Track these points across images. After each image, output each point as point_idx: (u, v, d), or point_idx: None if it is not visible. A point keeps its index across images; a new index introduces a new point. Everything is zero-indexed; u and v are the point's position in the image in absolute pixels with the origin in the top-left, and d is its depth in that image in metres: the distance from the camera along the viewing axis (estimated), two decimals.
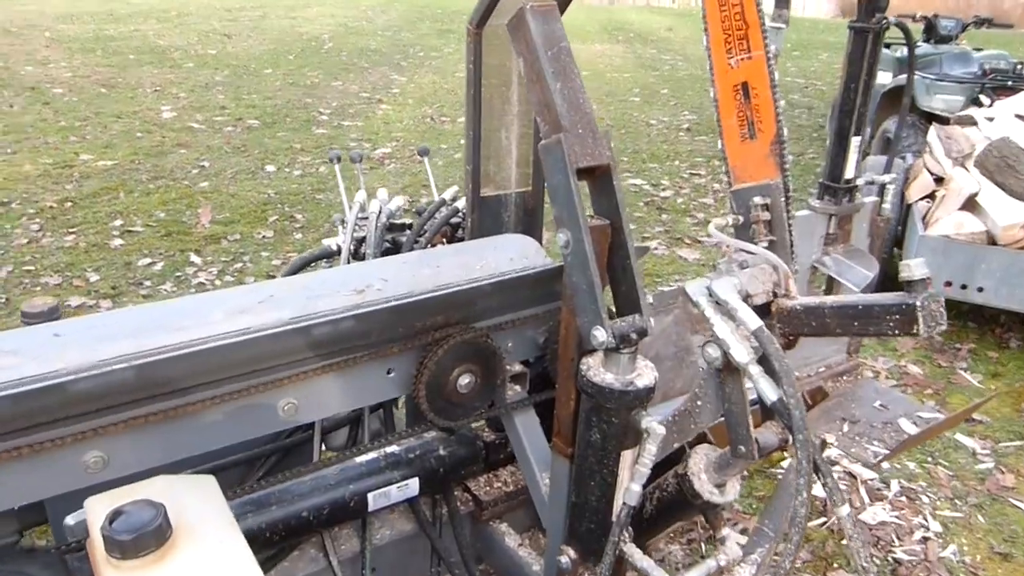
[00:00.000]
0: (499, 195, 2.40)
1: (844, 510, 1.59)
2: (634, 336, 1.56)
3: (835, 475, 3.70)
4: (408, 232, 2.66)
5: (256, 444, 2.15)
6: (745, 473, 3.66)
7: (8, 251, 6.21)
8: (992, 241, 5.02)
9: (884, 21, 2.71)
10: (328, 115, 11.11)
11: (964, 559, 3.50)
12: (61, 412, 1.48)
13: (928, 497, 3.89)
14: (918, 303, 1.51)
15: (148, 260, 6.19)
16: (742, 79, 1.87)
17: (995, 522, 3.74)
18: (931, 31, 8.03)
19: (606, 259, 1.62)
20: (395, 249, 2.65)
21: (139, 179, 8.00)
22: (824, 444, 2.92)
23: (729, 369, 1.63)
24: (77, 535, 1.59)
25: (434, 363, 1.90)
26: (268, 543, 1.98)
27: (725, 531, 1.90)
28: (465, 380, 1.99)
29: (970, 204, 5.17)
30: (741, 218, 1.92)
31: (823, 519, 3.65)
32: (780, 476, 3.80)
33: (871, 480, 3.93)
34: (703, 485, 1.79)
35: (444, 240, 2.65)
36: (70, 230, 6.66)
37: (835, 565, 3.39)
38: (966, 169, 5.37)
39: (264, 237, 6.76)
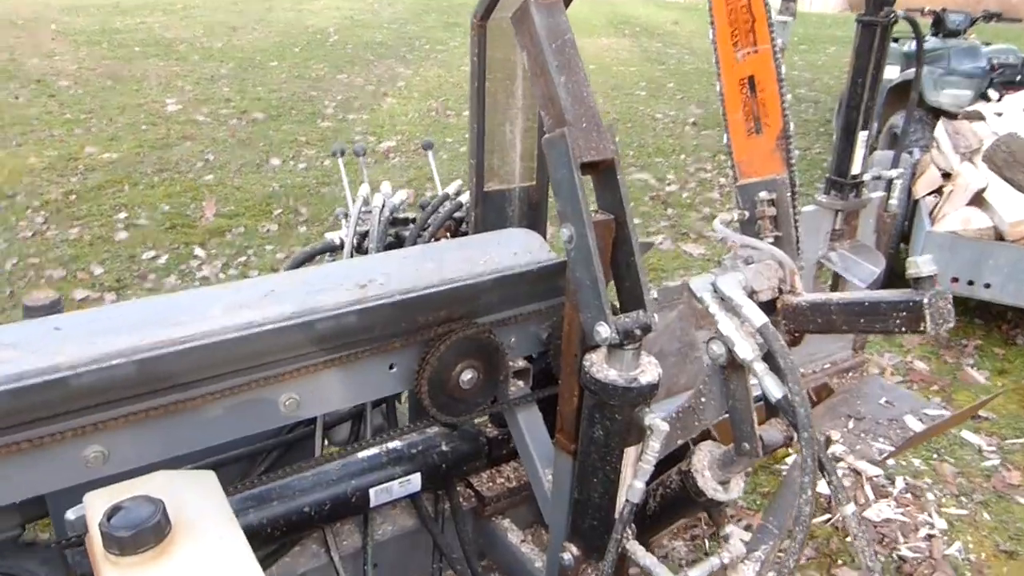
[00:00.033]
0: (503, 189, 2.39)
1: (849, 508, 1.57)
2: (638, 332, 1.55)
3: (840, 472, 3.70)
4: (411, 226, 2.65)
5: (258, 439, 2.14)
6: (749, 469, 3.65)
7: (13, 243, 6.21)
8: (999, 237, 4.98)
9: (892, 15, 2.69)
10: (333, 108, 11.09)
11: (969, 557, 3.49)
12: (61, 407, 1.48)
13: (933, 494, 3.87)
14: (925, 300, 1.49)
15: (152, 253, 6.19)
16: (748, 73, 1.86)
17: (1001, 520, 3.72)
18: (939, 25, 7.97)
19: (610, 254, 1.61)
20: (398, 243, 2.64)
21: (144, 172, 8.00)
22: (829, 441, 2.91)
23: (733, 366, 1.61)
24: (77, 530, 1.58)
25: (436, 358, 1.89)
26: (269, 539, 1.97)
27: (729, 528, 1.89)
28: (468, 376, 1.98)
29: (978, 200, 5.14)
30: (746, 213, 1.91)
31: (827, 516, 3.63)
32: (784, 473, 3.78)
33: (876, 477, 3.91)
34: (707, 482, 1.78)
35: (448, 234, 2.64)
36: (75, 223, 6.67)
37: (839, 562, 3.38)
38: (974, 164, 5.34)
39: (268, 230, 6.75)
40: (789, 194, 1.85)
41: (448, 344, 1.90)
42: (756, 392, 1.61)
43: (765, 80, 1.83)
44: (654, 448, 1.61)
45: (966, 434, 4.33)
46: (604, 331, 1.50)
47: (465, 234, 2.55)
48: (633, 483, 1.64)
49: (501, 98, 2.28)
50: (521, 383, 2.20)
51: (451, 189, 2.73)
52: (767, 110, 1.85)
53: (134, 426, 1.56)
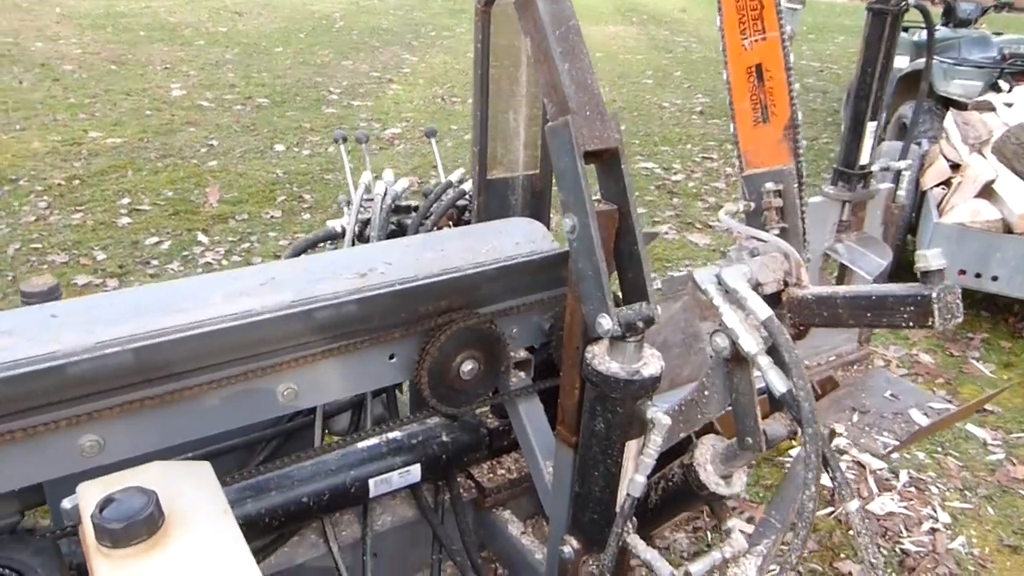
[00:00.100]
0: (506, 177, 2.36)
1: (853, 505, 1.56)
2: (640, 324, 1.52)
3: (843, 467, 3.68)
4: (414, 214, 2.63)
5: (257, 428, 2.12)
6: (752, 462, 3.63)
7: (16, 228, 6.20)
8: (1008, 229, 4.95)
9: (903, 3, 2.65)
10: (338, 94, 11.06)
11: (972, 551, 3.47)
12: (56, 395, 1.46)
13: (937, 488, 3.85)
14: (934, 295, 1.47)
15: (155, 239, 6.18)
16: (756, 61, 1.83)
17: (1005, 514, 3.70)
18: (950, 14, 7.92)
19: (613, 245, 1.58)
20: (400, 231, 2.62)
21: (147, 157, 7.98)
22: (833, 434, 2.89)
23: (737, 359, 1.59)
24: (73, 519, 1.57)
25: (437, 349, 1.87)
26: (268, 528, 1.96)
27: (731, 522, 1.88)
28: (468, 366, 1.96)
29: (986, 191, 5.10)
30: (753, 204, 1.88)
31: (830, 509, 3.61)
32: (788, 465, 3.77)
33: (880, 470, 3.89)
34: (709, 476, 1.76)
35: (450, 223, 2.61)
36: (78, 208, 6.65)
37: (842, 555, 3.37)
38: (983, 156, 5.30)
39: (272, 217, 6.73)
40: (796, 185, 1.83)
41: (449, 334, 1.88)
42: (760, 385, 1.59)
43: (773, 68, 1.81)
44: (656, 442, 1.59)
45: (971, 428, 4.31)
46: (606, 323, 1.47)
47: (468, 223, 2.52)
48: (634, 477, 1.62)
49: (505, 85, 2.26)
50: (522, 374, 2.18)
51: (454, 177, 2.71)
52: (775, 99, 1.82)
53: (130, 415, 1.54)
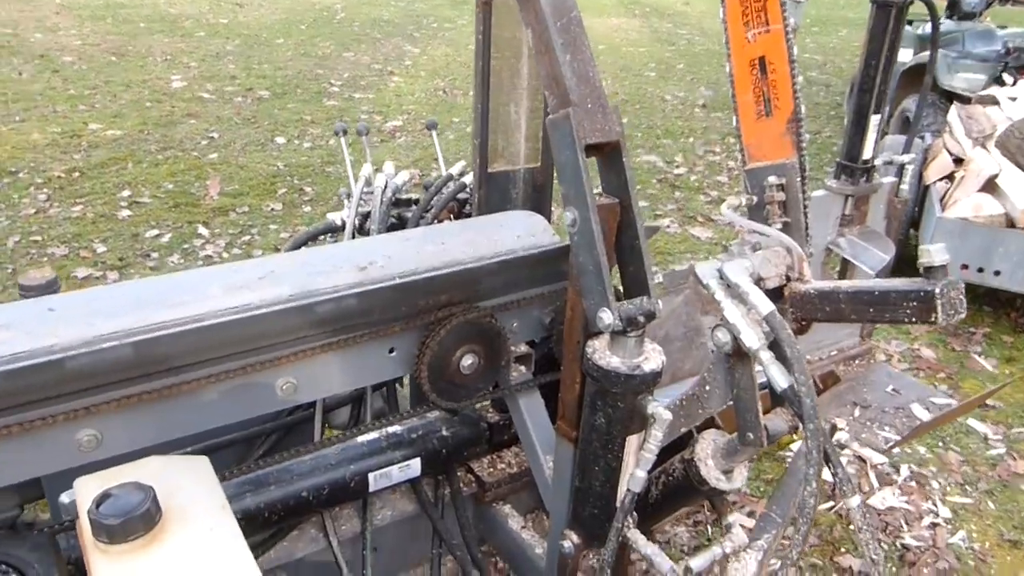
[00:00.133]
0: (507, 170, 2.35)
1: (855, 501, 1.55)
2: (641, 319, 1.51)
3: (844, 461, 3.67)
4: (414, 207, 2.61)
5: (256, 422, 2.11)
6: (753, 457, 3.63)
7: (15, 221, 6.19)
8: (1011, 224, 4.94)
9: None
10: (339, 87, 11.03)
11: (973, 546, 3.47)
12: (53, 389, 1.45)
13: (938, 482, 3.84)
14: (937, 290, 1.46)
15: (156, 231, 6.17)
16: (759, 53, 1.81)
17: (1005, 509, 3.70)
18: (954, 7, 7.88)
19: (614, 239, 1.57)
20: (401, 224, 2.60)
21: (148, 149, 7.97)
22: (834, 428, 2.88)
23: (739, 354, 1.58)
24: (71, 513, 1.56)
25: (437, 343, 1.86)
26: (267, 523, 1.95)
27: (731, 517, 1.87)
28: (468, 361, 1.95)
29: (990, 186, 5.08)
30: (755, 198, 1.87)
31: (831, 503, 3.61)
32: (788, 460, 3.76)
33: (880, 464, 3.89)
34: (710, 471, 1.75)
35: (451, 216, 2.60)
36: (78, 200, 6.64)
37: (842, 550, 3.36)
38: (986, 150, 5.28)
39: (273, 210, 6.72)
40: (799, 179, 1.81)
41: (449, 328, 1.87)
42: (761, 379, 1.58)
43: (776, 61, 1.79)
44: (656, 437, 1.58)
45: (972, 422, 4.30)
46: (607, 318, 1.46)
47: (469, 216, 2.51)
48: (635, 472, 1.61)
49: (506, 77, 2.24)
50: (523, 368, 2.17)
51: (455, 170, 2.69)
52: (778, 92, 1.81)
53: (128, 410, 1.53)
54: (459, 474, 2.37)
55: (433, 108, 10.21)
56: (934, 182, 5.35)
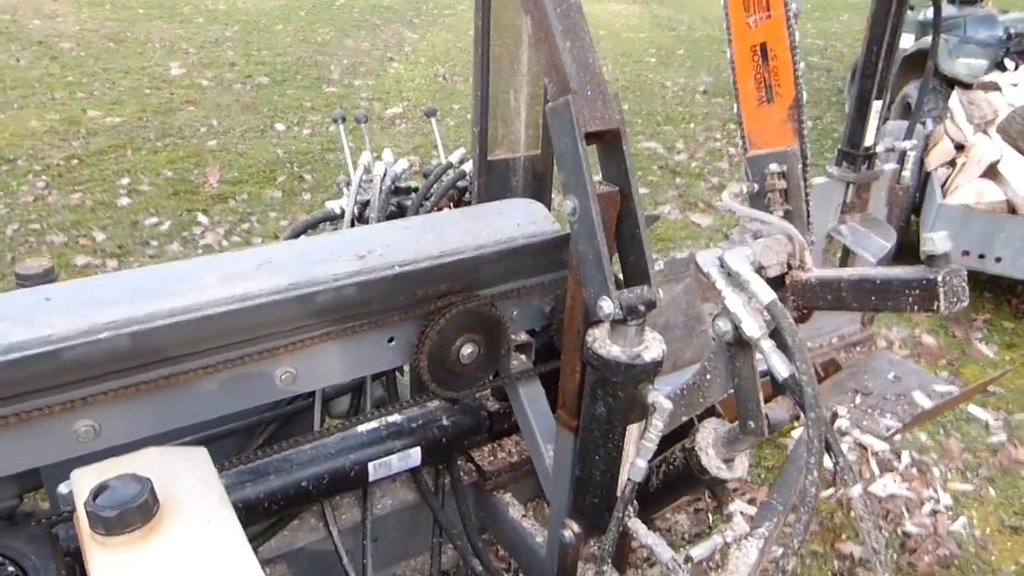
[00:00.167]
0: (507, 158, 2.33)
1: (856, 490, 1.54)
2: (642, 308, 1.50)
3: (845, 448, 3.67)
4: (413, 195, 2.60)
5: (255, 412, 2.11)
6: (754, 446, 3.63)
7: (14, 209, 6.17)
8: (1012, 210, 4.92)
9: None
10: (339, 73, 10.98)
11: (974, 532, 3.47)
12: (50, 380, 1.44)
13: (939, 469, 3.84)
14: (939, 278, 1.45)
15: (155, 219, 6.15)
16: (760, 39, 1.79)
17: (1006, 495, 3.70)
18: None
19: (614, 227, 1.56)
20: (400, 213, 2.59)
21: (147, 137, 7.94)
22: (835, 416, 2.87)
23: (740, 343, 1.58)
24: (69, 504, 1.56)
25: (436, 332, 1.85)
26: (267, 513, 1.95)
27: (732, 506, 1.87)
28: (468, 350, 1.95)
29: (991, 172, 5.06)
30: (756, 186, 1.85)
31: (832, 490, 3.61)
32: (789, 447, 3.76)
33: (882, 452, 3.89)
34: (710, 460, 1.75)
35: (450, 204, 2.59)
36: (76, 188, 6.62)
37: (843, 536, 3.37)
38: (988, 136, 5.25)
39: (272, 197, 6.70)
40: (800, 166, 1.80)
41: (448, 317, 1.86)
42: (762, 367, 1.57)
43: (778, 47, 1.77)
44: (657, 426, 1.58)
45: (973, 409, 4.29)
46: (607, 307, 1.46)
47: (468, 204, 2.50)
48: (635, 461, 1.61)
49: (506, 64, 2.22)
50: (523, 357, 2.16)
51: (454, 158, 2.68)
52: (779, 79, 1.79)
53: (126, 400, 1.52)
54: (459, 463, 2.36)
55: (433, 95, 10.17)
56: (935, 168, 5.32)
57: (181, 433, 1.88)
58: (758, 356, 1.56)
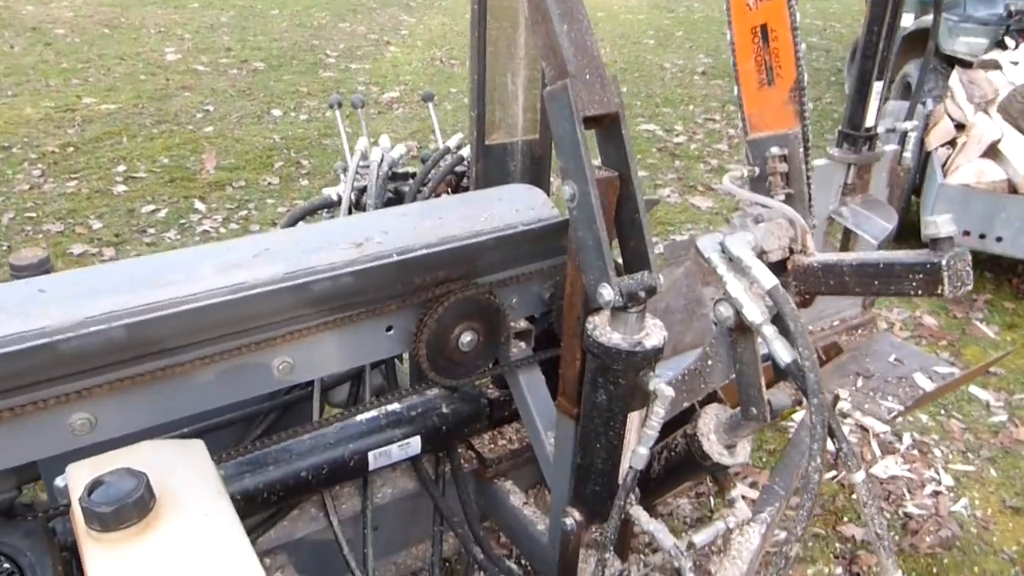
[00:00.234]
0: (505, 143, 2.31)
1: (859, 476, 1.53)
2: (642, 294, 1.49)
3: (847, 430, 3.66)
4: (411, 181, 2.58)
5: (254, 402, 2.09)
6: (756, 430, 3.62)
7: (10, 197, 6.14)
8: (1013, 190, 4.89)
9: None
10: (335, 58, 10.92)
11: (975, 513, 3.47)
12: (45, 372, 1.43)
13: (940, 450, 3.84)
14: (944, 262, 1.43)
15: (152, 207, 6.12)
16: (761, 21, 1.77)
17: (1008, 476, 3.70)
18: None
19: (614, 213, 1.54)
20: (397, 199, 2.57)
21: (143, 123, 7.90)
22: (836, 399, 2.86)
23: (741, 329, 1.56)
24: (67, 497, 1.54)
25: (435, 320, 1.84)
26: (267, 503, 1.94)
27: (734, 493, 1.86)
28: (467, 338, 1.93)
29: (992, 152, 5.03)
30: (757, 169, 1.83)
31: (833, 473, 3.60)
32: (791, 430, 3.75)
33: (883, 433, 3.88)
34: (712, 446, 1.74)
35: (448, 190, 2.56)
36: (72, 176, 6.58)
37: (845, 519, 3.37)
38: (988, 115, 5.22)
39: (270, 184, 6.67)
40: (802, 149, 1.77)
41: (447, 305, 1.84)
42: (763, 351, 1.56)
43: (779, 28, 1.74)
44: (659, 413, 1.56)
45: (974, 389, 4.29)
46: (607, 293, 1.44)
47: (466, 189, 2.48)
48: (637, 449, 1.60)
49: (503, 47, 2.19)
50: (523, 344, 2.14)
51: (452, 143, 2.65)
52: (780, 60, 1.76)
53: (121, 392, 1.51)
54: (460, 451, 2.35)
55: (430, 79, 10.12)
56: (936, 148, 5.29)
57: (179, 424, 1.86)
58: (759, 341, 1.55)
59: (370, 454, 2.03)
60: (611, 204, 1.53)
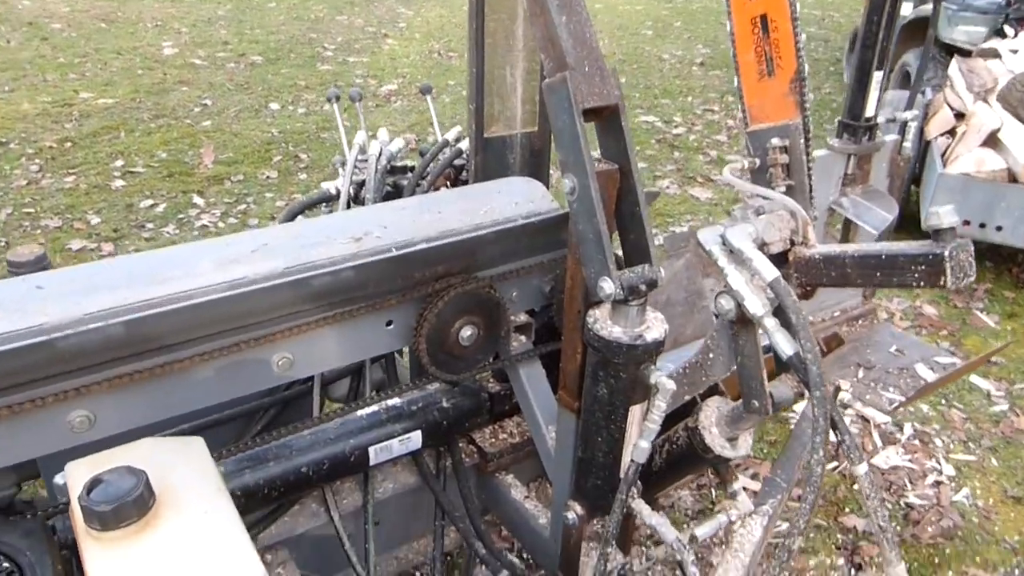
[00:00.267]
0: (504, 135, 2.30)
1: (862, 468, 1.53)
2: (643, 287, 1.48)
3: (848, 421, 3.66)
4: (410, 175, 2.56)
5: (254, 398, 2.09)
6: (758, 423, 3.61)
7: (7, 193, 6.12)
8: (1013, 179, 4.88)
9: None
10: (333, 51, 10.89)
11: (977, 503, 3.47)
12: (43, 370, 1.42)
13: (942, 440, 3.83)
14: (946, 253, 1.42)
15: (150, 202, 6.10)
16: (761, 11, 1.76)
17: (1009, 465, 3.69)
18: None
19: (614, 206, 1.54)
20: (396, 193, 2.56)
21: (140, 118, 7.87)
22: (837, 390, 2.86)
23: (743, 321, 1.55)
24: (66, 495, 1.54)
25: (435, 315, 1.83)
26: (267, 499, 1.93)
27: (736, 485, 1.85)
28: (467, 332, 1.92)
29: (992, 141, 5.02)
30: (757, 161, 1.82)
31: (835, 464, 3.60)
32: (792, 421, 3.75)
33: (884, 424, 3.88)
34: (714, 439, 1.73)
35: (447, 183, 2.55)
36: (70, 171, 6.56)
37: (847, 510, 3.36)
38: (988, 104, 5.20)
39: (268, 177, 6.65)
40: (803, 141, 1.76)
41: (447, 300, 1.83)
42: (765, 343, 1.55)
43: (778, 19, 1.73)
44: (660, 407, 1.56)
45: (975, 379, 4.28)
46: (608, 287, 1.43)
47: (465, 182, 2.46)
48: (638, 443, 1.59)
49: (501, 39, 2.18)
50: (523, 338, 2.14)
51: (451, 135, 2.64)
52: (780, 51, 1.75)
53: (120, 390, 1.50)
54: (461, 445, 2.35)
55: (428, 71, 10.09)
56: (935, 137, 5.28)
57: (178, 421, 1.86)
58: (761, 333, 1.54)
59: (371, 449, 2.03)
60: (611, 197, 1.52)
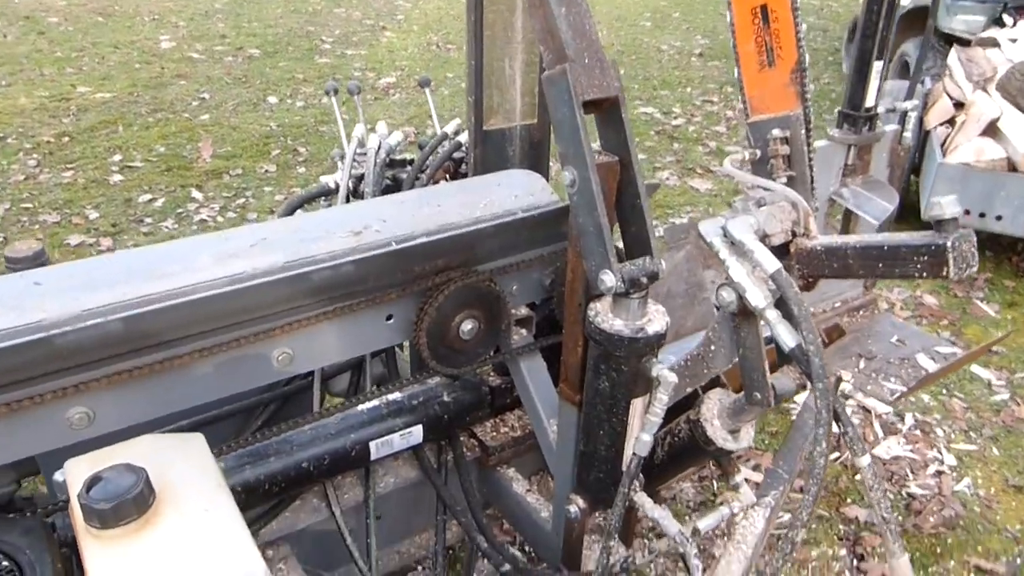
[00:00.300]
0: (503, 128, 2.29)
1: (865, 460, 1.53)
2: (644, 280, 1.48)
3: (849, 411, 3.65)
4: (409, 168, 2.55)
5: (254, 393, 2.08)
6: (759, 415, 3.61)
7: (5, 188, 6.11)
8: (1013, 168, 4.87)
9: None
10: (331, 43, 10.86)
11: (978, 492, 3.46)
12: (41, 367, 1.41)
13: (943, 430, 3.83)
14: (949, 244, 1.42)
15: (149, 196, 6.09)
16: (761, 1, 1.75)
17: (1010, 454, 3.69)
18: None
19: (614, 198, 1.53)
20: (395, 186, 2.55)
21: (138, 112, 7.85)
22: (839, 381, 2.86)
23: (744, 313, 1.55)
24: (66, 492, 1.53)
25: (435, 309, 1.82)
26: (268, 495, 1.93)
27: (738, 477, 1.85)
28: (468, 326, 1.92)
29: (991, 130, 5.00)
30: (758, 152, 1.82)
31: (836, 454, 3.60)
32: (794, 412, 3.75)
33: (885, 414, 3.88)
34: (716, 432, 1.73)
35: (447, 176, 2.54)
36: (68, 166, 6.54)
37: (848, 500, 3.36)
38: (987, 93, 5.19)
39: (267, 171, 6.63)
40: (804, 131, 1.76)
41: (447, 293, 1.83)
42: (766, 334, 1.55)
43: (779, 9, 1.72)
44: (662, 400, 1.56)
45: (976, 368, 4.28)
46: (609, 280, 1.43)
47: (465, 175, 2.46)
48: (640, 436, 1.59)
49: (500, 31, 2.17)
50: (524, 331, 2.13)
51: (449, 128, 2.63)
52: (781, 41, 1.74)
53: (119, 386, 1.50)
54: (462, 439, 2.35)
55: (426, 64, 10.06)
56: (935, 127, 5.26)
57: (178, 417, 1.85)
58: (763, 325, 1.53)
59: (372, 444, 2.02)
60: (611, 189, 1.51)
